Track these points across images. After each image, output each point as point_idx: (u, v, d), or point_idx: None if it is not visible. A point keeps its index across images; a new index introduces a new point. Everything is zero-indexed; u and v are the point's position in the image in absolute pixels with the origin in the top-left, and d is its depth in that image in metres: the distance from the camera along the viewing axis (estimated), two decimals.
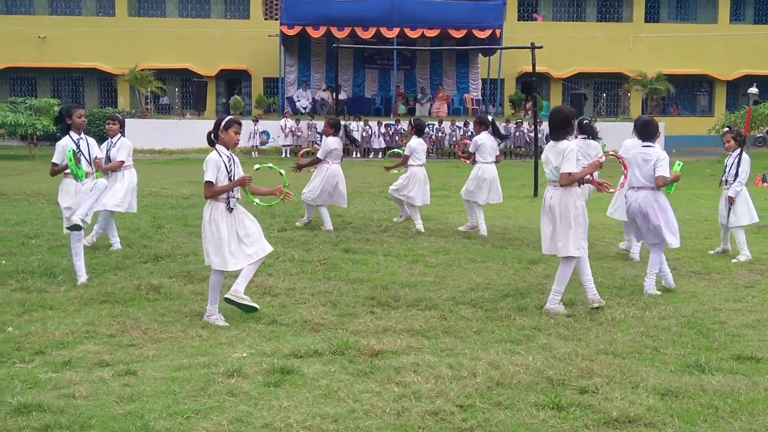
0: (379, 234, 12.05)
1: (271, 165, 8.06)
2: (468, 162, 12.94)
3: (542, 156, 7.81)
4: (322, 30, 33.84)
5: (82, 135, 8.89)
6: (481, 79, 37.54)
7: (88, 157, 8.80)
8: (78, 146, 8.69)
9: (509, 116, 34.54)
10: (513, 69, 38.15)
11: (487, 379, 5.59)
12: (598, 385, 5.46)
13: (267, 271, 9.24)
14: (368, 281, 8.80)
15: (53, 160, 8.78)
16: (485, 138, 12.42)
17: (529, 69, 18.04)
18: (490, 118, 13.07)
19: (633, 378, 5.64)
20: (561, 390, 5.43)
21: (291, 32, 33.97)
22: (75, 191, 8.54)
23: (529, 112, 34.45)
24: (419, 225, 12.55)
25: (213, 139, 7.23)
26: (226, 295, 7.18)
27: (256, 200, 7.87)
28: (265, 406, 5.10)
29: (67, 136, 8.76)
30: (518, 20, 39.65)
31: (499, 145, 12.86)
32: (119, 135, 10.92)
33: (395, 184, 12.93)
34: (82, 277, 8.55)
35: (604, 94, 39.09)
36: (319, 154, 12.74)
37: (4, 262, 9.52)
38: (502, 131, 12.89)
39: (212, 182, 7.01)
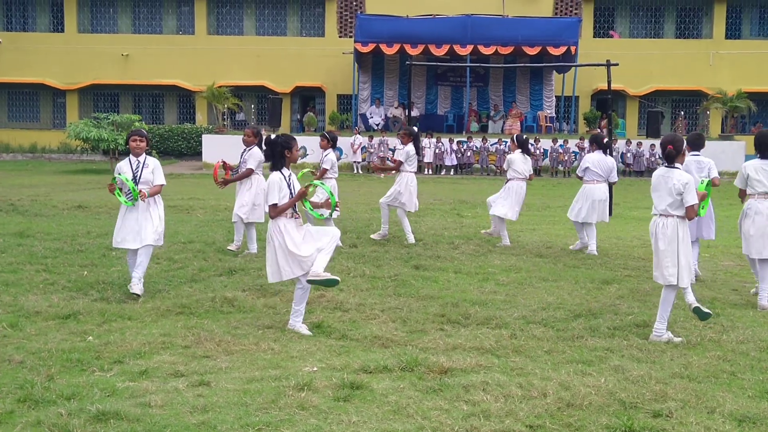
0: (450, 251, 12.03)
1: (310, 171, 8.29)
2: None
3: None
4: (396, 47, 34.04)
5: (140, 158, 8.90)
6: (555, 96, 37.22)
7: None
8: (133, 170, 8.83)
9: (583, 134, 34.14)
10: (588, 86, 37.74)
11: (557, 399, 5.54)
12: (672, 410, 5.36)
13: (338, 286, 9.28)
14: (438, 298, 8.80)
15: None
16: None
17: (604, 86, 17.86)
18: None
19: (709, 403, 5.52)
20: (633, 413, 5.34)
21: (365, 49, 34.25)
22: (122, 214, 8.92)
23: (604, 130, 33.98)
24: (411, 237, 12.81)
25: (280, 159, 7.46)
26: (308, 278, 7.33)
27: (313, 211, 8.11)
28: (335, 420, 5.14)
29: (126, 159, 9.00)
30: (594, 37, 39.21)
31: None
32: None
33: (388, 194, 12.96)
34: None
35: (682, 112, 38.34)
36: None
37: (86, 273, 9.83)
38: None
39: (276, 204, 7.32)
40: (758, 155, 9.00)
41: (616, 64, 17.67)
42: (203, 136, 33.60)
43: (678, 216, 7.19)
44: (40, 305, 8.10)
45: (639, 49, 38.29)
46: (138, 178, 8.75)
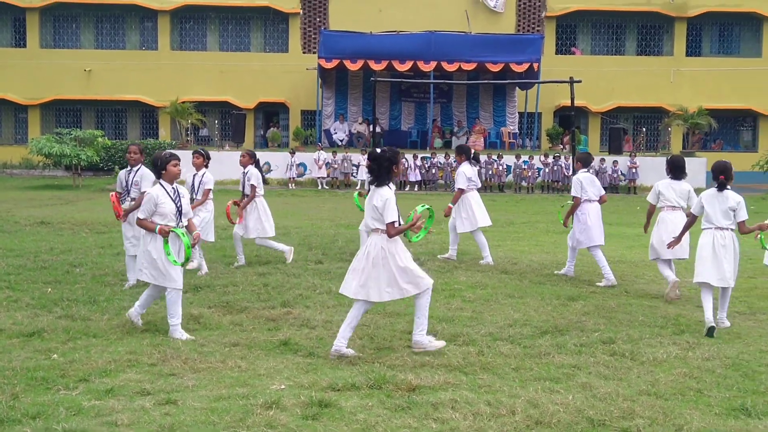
0: None
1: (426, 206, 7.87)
2: None
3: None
4: (360, 63, 34.14)
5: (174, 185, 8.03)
6: (518, 112, 37.55)
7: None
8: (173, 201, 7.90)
9: (546, 150, 34.44)
10: (551, 103, 38.14)
11: (526, 417, 5.55)
12: (640, 427, 5.40)
13: (304, 303, 9.28)
14: (405, 315, 8.78)
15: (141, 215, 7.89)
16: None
17: (567, 103, 18.11)
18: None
19: (676, 420, 5.56)
20: (602, 430, 5.37)
21: (329, 65, 34.30)
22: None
23: (567, 146, 34.34)
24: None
25: (387, 174, 7.33)
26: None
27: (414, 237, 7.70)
28: None
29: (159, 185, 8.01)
30: (556, 53, 39.65)
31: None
32: (203, 169, 11.89)
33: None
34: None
35: (644, 129, 38.87)
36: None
37: (50, 290, 9.69)
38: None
39: (395, 222, 7.16)
40: (670, 176, 10.37)
41: (579, 81, 17.90)
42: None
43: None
44: (3, 323, 7.99)
45: (601, 66, 38.78)
46: (181, 211, 7.94)
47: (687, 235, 9.54)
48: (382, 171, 7.26)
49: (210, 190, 11.57)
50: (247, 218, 11.92)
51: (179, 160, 7.96)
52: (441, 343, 7.38)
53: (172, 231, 7.70)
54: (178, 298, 7.79)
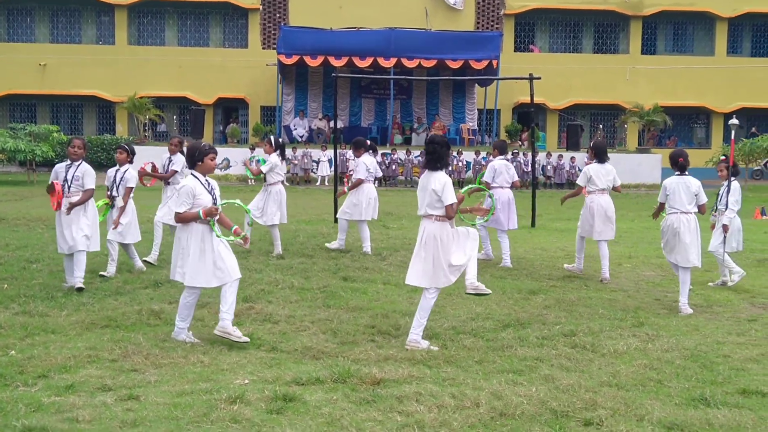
0: (378, 262, 12.05)
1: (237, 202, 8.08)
2: None
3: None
4: (320, 59, 34.02)
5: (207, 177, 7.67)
6: (478, 109, 37.71)
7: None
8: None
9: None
10: (509, 99, 38.36)
11: (490, 409, 5.58)
12: (602, 418, 5.44)
13: (266, 298, 9.23)
14: (368, 309, 8.79)
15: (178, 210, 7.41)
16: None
17: (526, 99, 18.21)
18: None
19: (638, 411, 5.62)
20: (565, 422, 5.41)
21: (289, 61, 34.14)
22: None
23: (525, 143, 34.57)
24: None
25: (445, 158, 7.52)
26: (467, 291, 7.63)
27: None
28: None
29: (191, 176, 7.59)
30: (515, 51, 39.88)
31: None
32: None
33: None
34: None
35: (601, 126, 39.27)
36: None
37: (6, 286, 9.54)
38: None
39: (454, 204, 7.37)
40: (596, 160, 11.33)
41: (539, 78, 17.98)
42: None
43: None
44: None
45: (559, 63, 39.09)
46: (216, 203, 7.56)
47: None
48: (439, 155, 7.39)
49: (132, 188, 10.78)
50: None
51: (216, 153, 7.67)
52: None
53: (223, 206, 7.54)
54: (235, 289, 7.46)
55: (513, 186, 12.59)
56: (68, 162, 9.71)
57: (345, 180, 12.93)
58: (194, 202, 7.30)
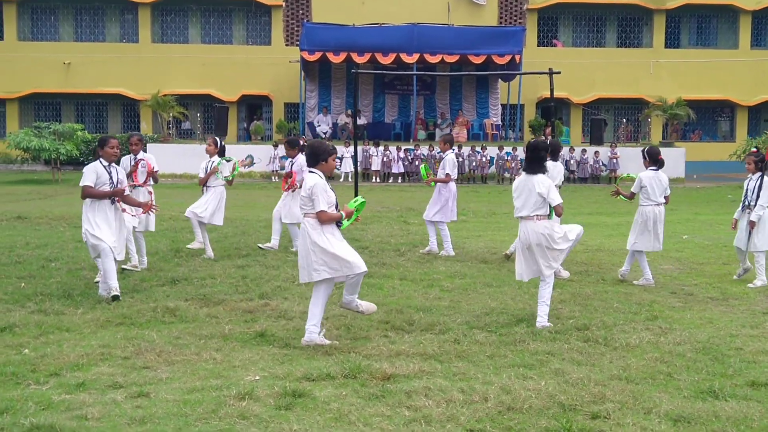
0: (396, 258, 12.06)
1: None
2: None
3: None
4: (343, 56, 34.06)
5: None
6: (501, 104, 37.59)
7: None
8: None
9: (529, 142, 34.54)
10: (533, 94, 38.21)
11: (498, 403, 5.58)
12: (610, 411, 5.43)
13: (282, 294, 9.28)
14: (383, 305, 8.79)
15: None
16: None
17: (549, 94, 18.11)
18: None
19: (646, 404, 5.60)
20: (572, 415, 5.40)
21: (312, 58, 34.21)
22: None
23: (549, 138, 34.40)
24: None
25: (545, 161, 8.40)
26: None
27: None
28: (276, 429, 5.11)
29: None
30: (538, 46, 39.71)
31: None
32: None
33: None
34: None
35: (625, 120, 39.01)
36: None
37: (23, 284, 9.63)
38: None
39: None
40: (550, 158, 10.68)
41: (559, 73, 17.86)
42: (148, 145, 33.20)
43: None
44: None
45: (582, 57, 38.87)
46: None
47: None
48: (542, 160, 8.11)
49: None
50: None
51: (336, 154, 7.77)
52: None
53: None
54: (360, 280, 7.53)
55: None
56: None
57: (283, 180, 12.79)
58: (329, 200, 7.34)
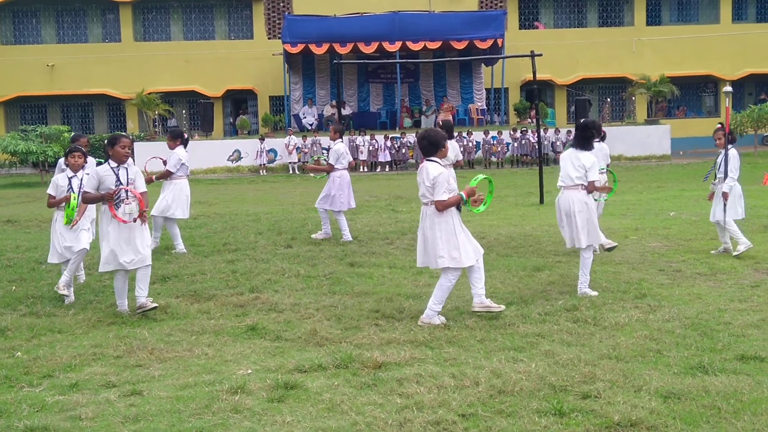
0: (385, 246, 12.11)
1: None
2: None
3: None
4: (325, 47, 34.02)
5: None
6: (485, 88, 37.60)
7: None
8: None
9: (515, 125, 34.59)
10: (517, 77, 38.23)
11: (489, 387, 5.62)
12: (600, 390, 5.48)
13: (273, 287, 9.30)
14: (373, 294, 8.85)
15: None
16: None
17: (532, 77, 18.20)
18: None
19: (636, 381, 5.66)
20: (563, 396, 5.45)
21: (294, 50, 34.16)
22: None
23: (534, 120, 34.47)
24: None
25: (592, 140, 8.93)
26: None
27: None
28: (269, 421, 5.15)
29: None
30: (519, 29, 39.73)
31: None
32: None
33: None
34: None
35: (609, 99, 39.08)
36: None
37: (14, 288, 9.63)
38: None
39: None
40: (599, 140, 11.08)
41: (540, 55, 17.96)
42: (135, 143, 33.15)
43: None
44: None
45: (564, 39, 38.90)
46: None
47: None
48: (587, 137, 8.69)
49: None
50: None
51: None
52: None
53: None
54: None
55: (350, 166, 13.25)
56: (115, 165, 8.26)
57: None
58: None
